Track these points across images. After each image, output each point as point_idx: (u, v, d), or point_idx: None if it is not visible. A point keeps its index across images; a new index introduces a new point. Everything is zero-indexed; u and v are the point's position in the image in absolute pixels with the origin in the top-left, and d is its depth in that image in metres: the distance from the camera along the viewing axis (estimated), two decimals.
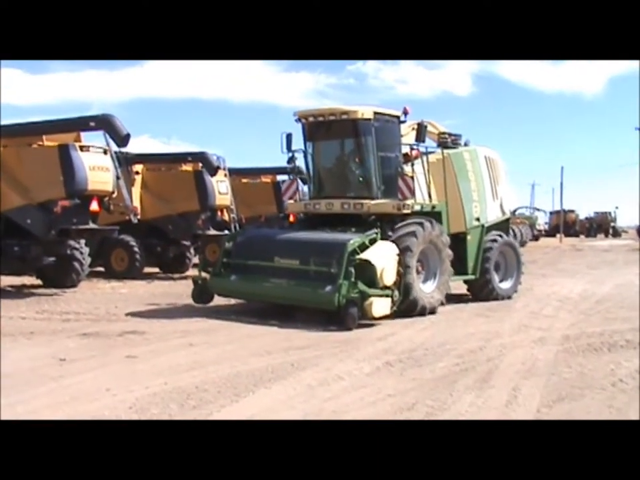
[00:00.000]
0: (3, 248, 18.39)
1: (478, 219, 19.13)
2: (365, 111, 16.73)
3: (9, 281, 20.71)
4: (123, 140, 17.37)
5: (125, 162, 22.40)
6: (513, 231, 39.30)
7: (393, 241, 15.49)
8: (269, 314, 15.36)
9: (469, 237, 18.71)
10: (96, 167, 18.30)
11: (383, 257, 14.77)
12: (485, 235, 19.18)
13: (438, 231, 16.77)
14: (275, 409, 8.18)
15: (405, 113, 17.29)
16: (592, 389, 9.21)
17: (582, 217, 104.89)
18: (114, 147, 18.42)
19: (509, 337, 13.30)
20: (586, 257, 44.23)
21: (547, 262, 38.18)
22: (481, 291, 19.19)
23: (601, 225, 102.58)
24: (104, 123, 17.31)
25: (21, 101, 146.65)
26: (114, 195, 19.05)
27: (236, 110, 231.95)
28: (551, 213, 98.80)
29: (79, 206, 18.43)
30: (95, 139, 19.31)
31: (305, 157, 17.85)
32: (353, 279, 14.21)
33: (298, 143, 17.72)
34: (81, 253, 19.96)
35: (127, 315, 15.40)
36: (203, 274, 17.22)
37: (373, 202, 16.72)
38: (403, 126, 17.59)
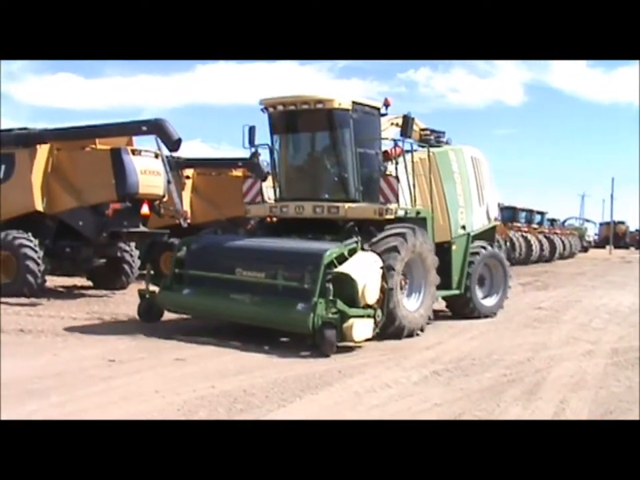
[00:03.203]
0: (55, 249, 18.63)
1: (464, 227, 17.14)
2: (343, 100, 14.37)
3: (60, 281, 20.97)
4: (174, 144, 17.46)
5: (175, 166, 22.59)
6: (498, 241, 39.02)
7: (376, 243, 13.53)
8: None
9: (454, 247, 16.65)
10: (147, 170, 18.49)
11: (364, 270, 12.50)
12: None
13: (423, 240, 14.43)
14: (321, 415, 8.23)
15: (386, 104, 15.13)
16: None
17: (632, 228, 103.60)
18: (165, 151, 18.55)
19: (557, 349, 13.20)
20: (635, 269, 43.64)
21: (596, 274, 37.82)
22: (460, 307, 17.26)
23: None
24: (156, 128, 17.44)
25: (75, 104, 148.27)
26: (164, 199, 19.24)
27: None
28: (600, 224, 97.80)
29: (130, 209, 18.64)
30: (146, 143, 19.51)
31: (271, 152, 15.57)
32: (330, 297, 11.93)
33: (263, 137, 15.57)
34: (131, 256, 20.20)
35: (176, 317, 15.24)
36: (152, 287, 14.62)
37: (350, 205, 14.39)
38: (382, 120, 15.41)
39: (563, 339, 14.43)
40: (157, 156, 18.85)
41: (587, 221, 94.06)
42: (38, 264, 17.69)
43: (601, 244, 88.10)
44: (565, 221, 75.81)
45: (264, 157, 16.92)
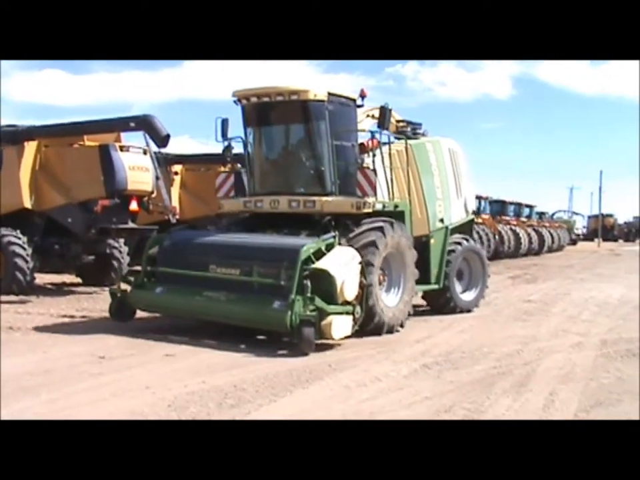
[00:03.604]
0: (44, 246, 18.62)
1: (442, 220, 16.74)
2: (318, 91, 13.90)
3: (49, 278, 20.97)
4: (162, 140, 17.45)
5: (164, 162, 22.58)
6: (478, 233, 39.12)
7: (354, 238, 13.17)
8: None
9: (432, 241, 16.28)
10: (136, 167, 18.48)
11: (343, 266, 12.16)
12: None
13: (401, 234, 14.08)
14: (312, 409, 8.24)
15: (362, 95, 14.66)
16: (630, 394, 9.15)
17: (620, 221, 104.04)
18: (154, 148, 18.53)
19: (546, 341, 13.24)
20: (624, 261, 43.88)
21: (584, 266, 37.94)
22: (439, 302, 16.89)
23: None
24: (144, 124, 17.41)
25: (62, 101, 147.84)
26: (153, 195, 19.21)
27: None
28: (589, 217, 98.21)
29: (119, 205, 18.63)
30: (135, 139, 19.50)
31: (245, 145, 15.02)
32: (308, 294, 11.59)
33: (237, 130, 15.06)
34: (120, 252, 20.18)
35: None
36: (123, 285, 14.09)
37: (327, 199, 13.95)
38: (358, 112, 15.01)
39: (552, 331, 14.46)
40: (145, 152, 18.83)
41: (576, 213, 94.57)
42: (27, 261, 17.67)
43: (589, 237, 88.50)
44: (553, 214, 76.12)
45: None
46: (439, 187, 16.86)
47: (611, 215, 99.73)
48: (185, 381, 9.32)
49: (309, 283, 11.63)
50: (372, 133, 14.88)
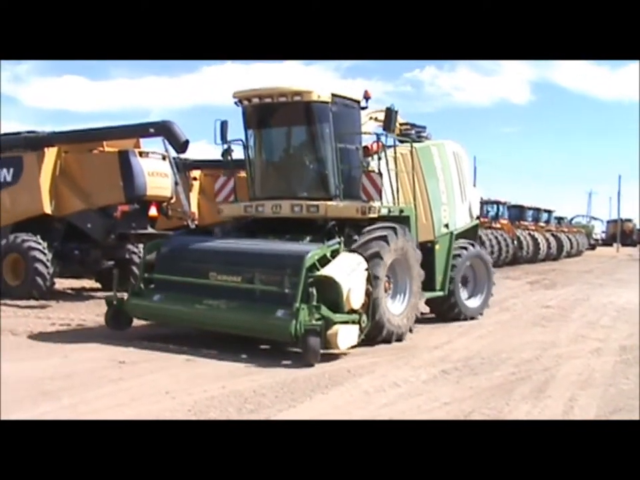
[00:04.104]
0: (64, 251, 18.72)
1: (447, 225, 16.32)
2: (322, 92, 13.45)
3: (68, 283, 21.06)
4: (181, 146, 17.53)
5: (183, 168, 22.63)
6: (497, 239, 39.00)
7: (357, 249, 12.60)
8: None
9: (437, 247, 15.81)
10: (155, 172, 18.57)
11: (349, 273, 11.72)
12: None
13: (405, 239, 13.64)
14: (332, 414, 8.25)
15: (367, 97, 14.18)
16: None
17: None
18: (172, 153, 18.60)
19: (565, 347, 13.22)
20: None
21: (603, 271, 37.82)
22: (443, 309, 16.49)
23: None
24: (163, 129, 17.50)
25: (81, 107, 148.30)
26: (172, 201, 19.30)
27: None
28: (607, 222, 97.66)
29: (138, 211, 18.73)
30: (154, 145, 19.57)
31: (245, 148, 14.59)
32: (314, 302, 11.17)
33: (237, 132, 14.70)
34: (139, 257, 20.21)
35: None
36: (119, 293, 13.50)
37: (330, 204, 13.45)
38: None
39: (571, 336, 14.45)
40: (164, 158, 18.92)
41: (594, 218, 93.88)
42: (47, 266, 17.78)
43: (608, 242, 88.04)
44: (572, 219, 75.75)
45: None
46: (443, 192, 16.51)
47: (630, 220, 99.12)
48: (205, 386, 9.35)
49: (314, 291, 11.20)
50: (377, 135, 14.43)
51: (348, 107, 14.05)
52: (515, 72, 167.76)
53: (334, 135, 13.56)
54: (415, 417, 8.19)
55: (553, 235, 50.48)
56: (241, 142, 14.58)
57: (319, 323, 11.07)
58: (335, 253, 12.17)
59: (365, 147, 14.62)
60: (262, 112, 14.26)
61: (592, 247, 72.60)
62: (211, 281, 12.55)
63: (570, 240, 54.76)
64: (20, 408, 8.08)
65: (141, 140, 19.43)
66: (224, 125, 14.40)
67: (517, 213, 46.97)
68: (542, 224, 50.61)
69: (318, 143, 13.95)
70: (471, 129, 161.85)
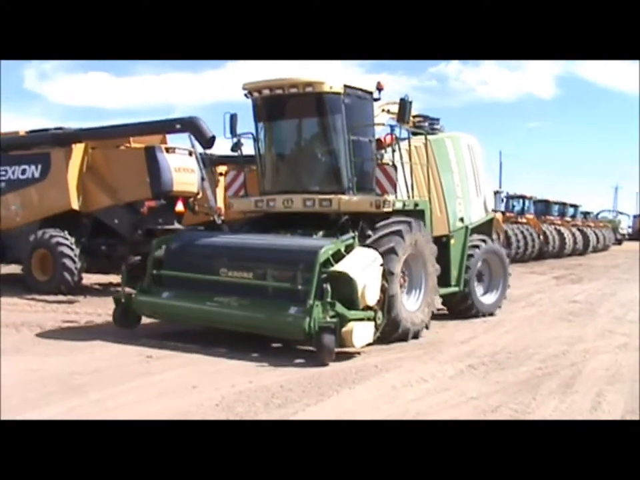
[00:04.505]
0: (91, 247, 18.84)
1: (462, 220, 15.93)
2: (334, 83, 13.04)
3: (96, 279, 21.16)
4: (208, 142, 17.55)
5: (209, 163, 22.66)
6: (522, 233, 38.86)
7: (371, 245, 12.18)
8: None
9: (452, 241, 15.42)
10: (181, 168, 18.64)
11: (364, 269, 11.30)
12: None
13: (421, 234, 13.29)
14: (359, 409, 8.28)
15: (379, 88, 13.72)
16: None
17: None
18: (199, 149, 18.64)
19: (592, 342, 13.18)
20: None
21: (630, 266, 37.51)
22: (458, 306, 16.07)
23: None
24: (190, 125, 17.53)
25: (106, 103, 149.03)
26: (199, 196, 19.34)
27: None
28: (634, 217, 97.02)
29: (165, 206, 18.79)
30: (180, 141, 19.63)
31: (256, 141, 14.23)
32: (328, 299, 10.78)
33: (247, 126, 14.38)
34: None
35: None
36: (127, 289, 13.12)
37: (344, 198, 13.07)
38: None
39: (598, 332, 14.40)
40: (190, 154, 18.98)
41: (621, 213, 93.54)
42: (74, 262, 17.90)
43: (634, 236, 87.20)
44: (598, 214, 75.37)
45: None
46: (458, 185, 16.15)
47: None
48: (232, 380, 9.38)
49: (329, 287, 10.79)
50: (391, 127, 14.04)
51: (361, 99, 13.66)
52: (540, 67, 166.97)
53: (346, 126, 13.18)
54: (442, 411, 8.21)
55: (579, 229, 50.28)
56: (251, 135, 14.28)
57: (334, 320, 10.70)
58: (349, 248, 11.78)
59: (378, 140, 14.24)
60: (272, 104, 13.88)
61: (618, 242, 72.27)
62: (221, 277, 12.18)
63: (596, 235, 54.50)
64: (48, 403, 8.18)
65: (167, 136, 19.51)
66: (233, 117, 14.18)
67: (543, 207, 46.84)
68: (568, 219, 50.42)
69: (330, 135, 13.61)
70: (496, 124, 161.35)
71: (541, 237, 41.40)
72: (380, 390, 9.21)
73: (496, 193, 40.74)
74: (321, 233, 12.89)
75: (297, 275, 11.25)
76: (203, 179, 18.87)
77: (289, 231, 13.31)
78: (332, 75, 12.86)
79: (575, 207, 54.44)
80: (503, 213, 39.30)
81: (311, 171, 14.12)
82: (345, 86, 13.17)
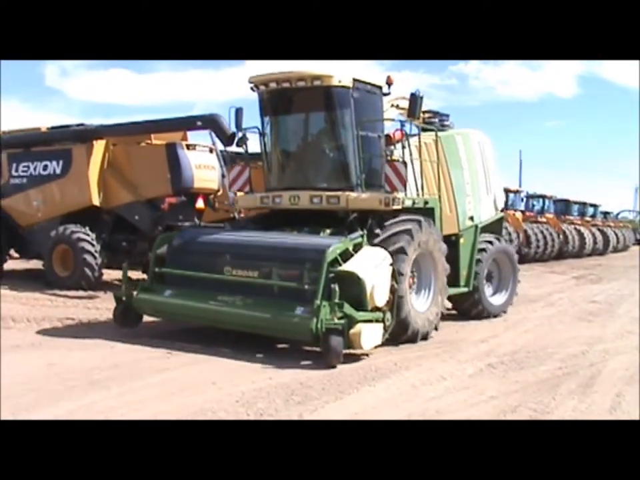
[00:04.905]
0: (112, 243, 18.93)
1: (472, 218, 15.48)
2: (343, 77, 12.65)
3: (116, 275, 21.21)
4: (228, 139, 17.56)
5: (229, 160, 22.74)
6: (542, 233, 38.71)
7: (380, 244, 11.87)
8: None
9: (461, 241, 14.98)
10: (202, 165, 18.69)
11: (373, 269, 10.96)
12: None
13: (431, 233, 12.90)
14: (379, 407, 8.31)
15: (389, 83, 13.29)
16: None
17: None
18: (220, 146, 18.70)
19: (611, 342, 13.15)
20: None
21: None
22: (467, 306, 15.67)
23: None
24: (210, 123, 17.57)
25: (127, 100, 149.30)
26: (219, 193, 19.38)
27: None
28: None
29: (185, 203, 18.84)
30: (201, 138, 19.70)
31: (262, 136, 13.81)
32: (336, 299, 10.36)
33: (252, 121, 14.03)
34: None
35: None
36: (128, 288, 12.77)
37: (352, 195, 12.67)
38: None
39: (618, 332, 14.35)
40: (211, 150, 19.05)
41: None
42: (95, 257, 17.98)
43: None
44: (618, 214, 74.89)
45: None
46: (468, 183, 15.68)
47: None
48: (252, 377, 9.42)
49: (337, 288, 10.37)
50: (401, 122, 13.58)
51: (370, 93, 13.24)
52: (560, 66, 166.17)
53: (355, 121, 12.78)
54: (462, 410, 8.23)
55: (599, 229, 50.06)
56: (256, 130, 13.89)
57: (342, 321, 10.30)
58: (357, 247, 11.44)
59: (387, 136, 13.83)
60: (279, 98, 13.46)
61: (638, 242, 71.85)
62: (225, 276, 11.86)
63: (616, 235, 54.25)
64: (70, 397, 8.25)
65: (188, 133, 19.57)
66: (239, 112, 13.88)
67: (563, 207, 46.70)
68: (588, 218, 50.20)
69: (338, 130, 13.21)
70: (516, 123, 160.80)
71: (561, 236, 41.26)
72: (399, 388, 9.22)
73: (516, 192, 40.72)
74: (328, 231, 12.51)
75: (303, 274, 10.96)
76: (223, 176, 18.93)
77: (294, 229, 12.95)
78: (340, 68, 12.68)
79: (595, 206, 54.23)
80: (523, 212, 39.22)
81: (319, 167, 13.70)
82: (354, 80, 12.81)
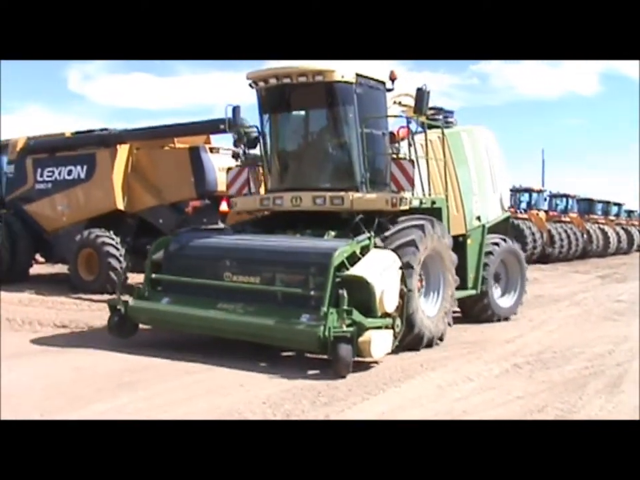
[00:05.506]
0: (136, 247, 18.99)
1: (479, 218, 14.78)
2: (345, 72, 12.01)
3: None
4: (251, 142, 17.64)
5: (253, 163, 22.78)
6: (566, 232, 38.50)
7: (390, 236, 11.36)
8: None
9: (469, 241, 14.25)
10: (225, 168, 18.73)
11: (382, 273, 10.28)
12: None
13: (441, 234, 12.27)
14: (405, 407, 8.30)
15: (392, 78, 12.71)
16: None
17: None
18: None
19: (637, 341, 13.07)
20: None
21: None
22: (475, 309, 14.99)
23: None
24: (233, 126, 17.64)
25: (149, 104, 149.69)
26: None
27: None
28: None
29: (209, 206, 18.88)
30: (224, 141, 19.75)
31: (261, 135, 13.27)
32: (345, 306, 9.73)
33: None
34: None
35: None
36: (124, 296, 12.20)
37: (357, 195, 11.99)
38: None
39: None
40: (233, 155, 19.10)
41: None
42: (120, 261, 18.06)
43: None
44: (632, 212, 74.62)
45: None
46: (475, 181, 15.05)
47: None
48: (278, 379, 9.43)
49: (345, 293, 9.74)
50: (408, 119, 13.25)
51: (373, 89, 12.62)
52: (582, 64, 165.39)
53: (359, 118, 12.15)
54: (488, 410, 8.21)
55: (623, 228, 49.83)
56: (256, 128, 13.47)
57: (351, 329, 9.68)
58: (364, 250, 10.74)
59: (392, 133, 13.22)
60: (279, 94, 12.84)
61: None
62: (225, 282, 11.30)
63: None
64: (99, 399, 8.32)
65: (211, 136, 19.63)
66: (236, 110, 13.47)
67: (586, 206, 46.49)
68: (612, 217, 49.99)
69: (341, 128, 12.61)
70: (538, 121, 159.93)
71: (585, 235, 41.12)
72: (426, 389, 9.21)
73: (539, 191, 40.63)
74: (332, 234, 11.94)
75: (308, 280, 10.46)
76: None
77: (297, 232, 12.38)
78: (343, 63, 12.13)
79: (619, 205, 53.93)
80: (546, 212, 39.12)
81: (321, 167, 13.08)
82: (357, 75, 12.19)
